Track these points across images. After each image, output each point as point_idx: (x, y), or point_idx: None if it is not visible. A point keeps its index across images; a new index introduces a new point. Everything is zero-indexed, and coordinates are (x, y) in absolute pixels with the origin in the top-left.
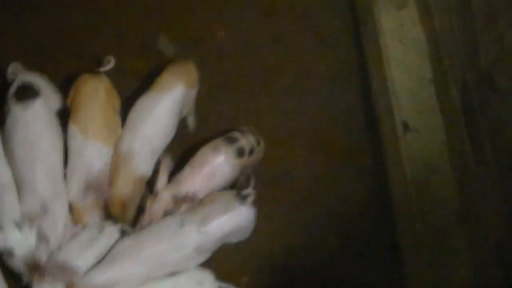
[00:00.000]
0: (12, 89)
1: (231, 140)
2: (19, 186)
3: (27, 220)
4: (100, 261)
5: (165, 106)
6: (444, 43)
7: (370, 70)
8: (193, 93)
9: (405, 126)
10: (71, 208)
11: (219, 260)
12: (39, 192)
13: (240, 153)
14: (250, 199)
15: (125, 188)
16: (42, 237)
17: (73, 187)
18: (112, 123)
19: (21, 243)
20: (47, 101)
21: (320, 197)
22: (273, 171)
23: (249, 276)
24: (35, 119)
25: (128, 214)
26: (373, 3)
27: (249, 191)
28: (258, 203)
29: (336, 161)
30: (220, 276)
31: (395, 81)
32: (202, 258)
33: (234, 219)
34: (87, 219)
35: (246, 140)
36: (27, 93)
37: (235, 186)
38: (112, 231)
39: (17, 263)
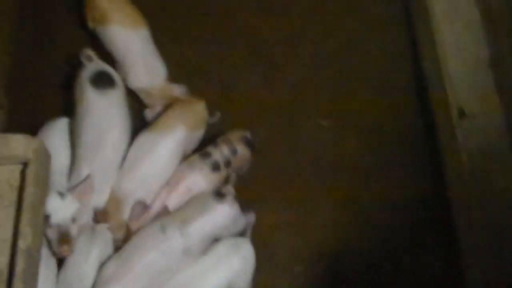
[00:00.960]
0: (87, 73)
1: (205, 155)
2: (77, 163)
3: (71, 193)
4: None
5: (165, 148)
6: (501, 23)
7: (422, 54)
8: (199, 133)
9: (461, 112)
10: None
11: (272, 250)
12: (94, 174)
13: (215, 167)
14: (229, 198)
15: (117, 230)
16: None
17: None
18: None
19: (57, 212)
20: (121, 92)
21: (373, 185)
22: (324, 159)
23: (301, 265)
24: (110, 107)
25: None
26: None
27: (227, 189)
28: (310, 193)
29: (388, 148)
30: (273, 264)
31: (449, 66)
32: (195, 258)
33: (213, 218)
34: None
35: (219, 154)
36: (104, 80)
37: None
38: (103, 228)
39: (50, 231)
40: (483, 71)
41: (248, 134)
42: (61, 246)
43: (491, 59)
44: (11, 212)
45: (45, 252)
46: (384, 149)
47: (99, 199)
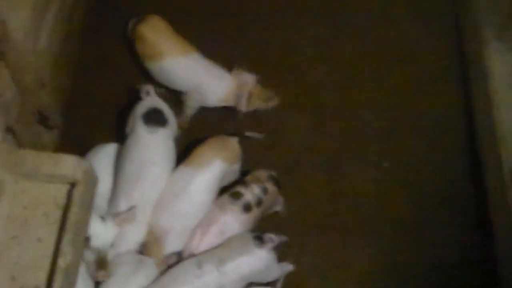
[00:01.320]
0: (141, 109)
1: (236, 197)
2: (116, 193)
3: (112, 218)
4: None
5: (201, 184)
6: None
7: (477, 115)
8: (235, 168)
9: None
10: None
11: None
12: (134, 203)
13: (247, 208)
14: (269, 245)
15: (158, 266)
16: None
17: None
18: None
19: (98, 236)
20: (171, 131)
21: (413, 242)
22: (369, 208)
23: None
24: (156, 145)
25: None
26: (483, 44)
27: (268, 237)
28: (351, 241)
29: (434, 204)
30: None
31: (504, 127)
32: None
33: (250, 261)
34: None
35: (251, 194)
36: (156, 118)
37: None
38: (151, 262)
39: (89, 253)
40: None
41: (273, 173)
42: (99, 270)
43: None
44: (54, 230)
45: (83, 271)
46: (431, 208)
47: (137, 231)
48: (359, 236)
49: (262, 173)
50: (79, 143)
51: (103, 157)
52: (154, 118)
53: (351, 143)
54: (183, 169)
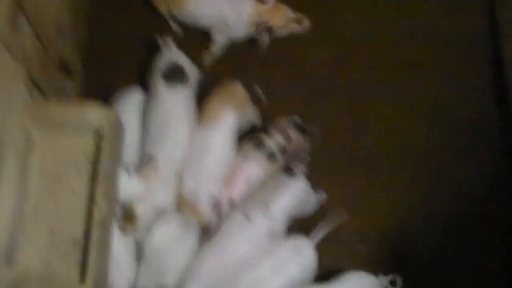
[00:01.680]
0: (161, 64)
1: (259, 145)
2: (145, 148)
3: (137, 173)
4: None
5: (220, 139)
6: None
7: (504, 41)
8: (248, 111)
9: None
10: None
11: (336, 230)
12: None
13: (271, 157)
14: (299, 171)
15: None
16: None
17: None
18: None
19: (125, 189)
20: (192, 88)
21: (440, 172)
22: (393, 141)
23: (365, 245)
24: (177, 104)
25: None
26: None
27: (296, 166)
28: (376, 174)
29: (459, 135)
30: (336, 243)
31: None
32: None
33: (291, 194)
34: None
35: (274, 143)
36: (176, 76)
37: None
38: (195, 226)
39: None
40: None
41: (297, 119)
42: (126, 224)
43: None
44: (86, 182)
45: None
46: (454, 135)
47: (164, 190)
48: (384, 170)
49: (285, 120)
50: (101, 92)
51: (129, 105)
52: (175, 75)
53: (373, 76)
54: (199, 128)
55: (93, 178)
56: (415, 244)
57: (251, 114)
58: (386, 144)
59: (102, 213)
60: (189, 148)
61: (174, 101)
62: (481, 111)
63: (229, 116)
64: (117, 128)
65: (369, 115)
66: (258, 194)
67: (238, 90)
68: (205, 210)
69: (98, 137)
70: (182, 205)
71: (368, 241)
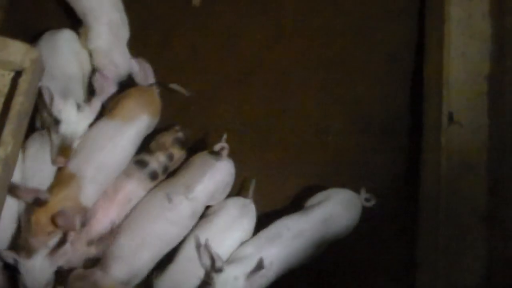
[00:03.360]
0: None
1: (141, 164)
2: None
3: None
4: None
5: (127, 138)
6: (510, 42)
7: (427, 54)
8: (155, 122)
9: (450, 117)
10: None
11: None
12: None
13: (154, 176)
14: (225, 152)
15: (64, 202)
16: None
17: None
18: None
19: (70, 123)
20: None
21: (350, 164)
22: (310, 129)
23: None
24: None
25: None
26: None
27: (222, 145)
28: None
29: (371, 135)
30: None
31: (450, 71)
32: (195, 221)
33: (215, 176)
34: None
35: (156, 162)
36: None
37: None
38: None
39: (55, 137)
40: (480, 84)
41: (179, 134)
42: (59, 156)
43: (491, 73)
44: None
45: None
46: (368, 134)
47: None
48: (297, 156)
49: (167, 138)
50: (24, 28)
51: (64, 42)
52: None
53: (302, 65)
54: (108, 122)
55: (3, 114)
56: None
57: (153, 126)
58: (301, 130)
59: (7, 152)
60: (93, 137)
61: None
62: (394, 117)
63: (143, 120)
64: (38, 68)
65: (288, 101)
66: (181, 177)
67: (157, 99)
68: (83, 197)
69: (15, 74)
70: (63, 176)
71: None
